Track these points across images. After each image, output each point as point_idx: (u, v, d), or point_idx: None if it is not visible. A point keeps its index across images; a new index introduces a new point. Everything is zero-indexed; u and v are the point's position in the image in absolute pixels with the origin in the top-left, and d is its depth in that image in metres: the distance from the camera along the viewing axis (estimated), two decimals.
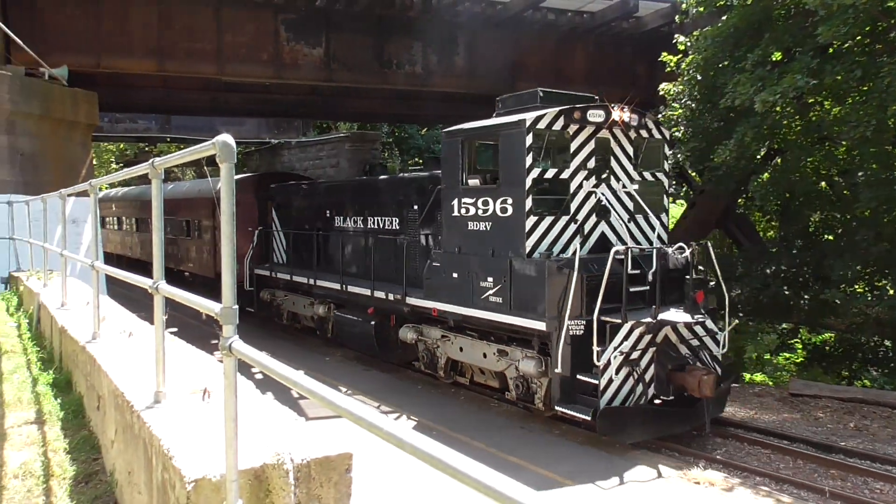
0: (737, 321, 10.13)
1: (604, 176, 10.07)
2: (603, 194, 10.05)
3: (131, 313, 6.85)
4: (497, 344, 10.44)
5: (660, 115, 15.20)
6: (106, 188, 35.37)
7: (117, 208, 31.18)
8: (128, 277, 4.30)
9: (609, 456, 8.90)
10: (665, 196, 10.76)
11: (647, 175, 10.59)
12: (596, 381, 8.86)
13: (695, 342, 9.60)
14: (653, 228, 10.48)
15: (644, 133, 10.45)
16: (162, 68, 15.97)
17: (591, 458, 8.80)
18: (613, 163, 10.20)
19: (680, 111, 14.75)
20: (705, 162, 14.89)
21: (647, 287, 9.22)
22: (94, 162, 30.35)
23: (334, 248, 14.40)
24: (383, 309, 12.70)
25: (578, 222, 9.92)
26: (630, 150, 10.35)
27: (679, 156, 15.26)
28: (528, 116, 9.67)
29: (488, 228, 10.14)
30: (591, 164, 10.00)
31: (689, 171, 21.21)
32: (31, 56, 14.00)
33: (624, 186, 10.28)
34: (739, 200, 20.38)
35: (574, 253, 9.26)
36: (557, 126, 9.74)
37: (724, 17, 13.87)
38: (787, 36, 13.06)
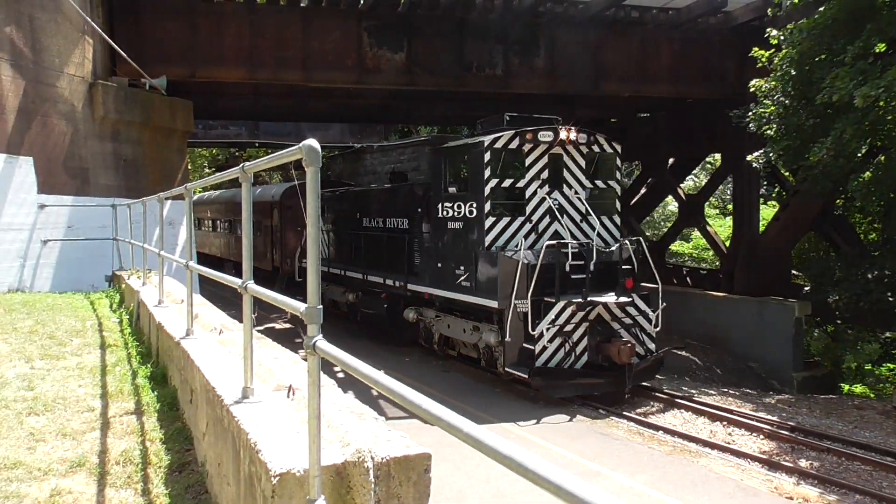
0: (665, 304, 12.27)
1: (554, 184, 12.67)
2: (555, 199, 12.61)
3: (221, 311, 7.15)
4: (473, 321, 12.93)
5: (750, 113, 14.62)
6: (199, 192, 37.06)
7: (200, 210, 32.96)
8: (219, 277, 4.49)
9: (540, 406, 11.25)
10: (617, 201, 13.25)
11: (600, 183, 13.05)
12: (533, 348, 11.32)
13: (628, 320, 12.07)
14: (605, 228, 12.94)
15: (596, 148, 12.89)
16: (252, 76, 16.60)
17: (525, 408, 11.20)
18: (566, 173, 12.76)
19: (772, 108, 14.10)
20: (799, 161, 14.20)
21: (589, 275, 11.66)
22: (189, 166, 31.94)
23: (361, 245, 17.19)
24: (393, 294, 15.50)
25: (533, 222, 12.48)
26: (582, 163, 12.86)
27: (770, 155, 14.62)
28: (487, 138, 12.29)
29: (461, 227, 12.83)
30: (545, 174, 12.59)
31: (782, 171, 20.26)
32: (134, 68, 14.85)
33: (576, 193, 12.79)
34: (837, 201, 19.31)
35: (528, 246, 12.01)
36: (513, 145, 12.32)
37: (821, 9, 13.16)
38: (893, 26, 12.27)
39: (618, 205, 13.25)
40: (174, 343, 5.61)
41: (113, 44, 14.51)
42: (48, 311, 9.70)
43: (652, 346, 12.31)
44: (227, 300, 11.49)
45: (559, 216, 12.59)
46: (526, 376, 11.19)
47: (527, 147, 12.41)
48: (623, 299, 11.75)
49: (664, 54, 18.72)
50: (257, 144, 31.06)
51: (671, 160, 23.41)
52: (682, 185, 23.90)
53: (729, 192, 30.24)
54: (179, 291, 8.74)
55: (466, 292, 12.57)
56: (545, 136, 12.39)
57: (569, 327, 11.55)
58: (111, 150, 14.64)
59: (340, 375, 9.69)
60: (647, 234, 28.85)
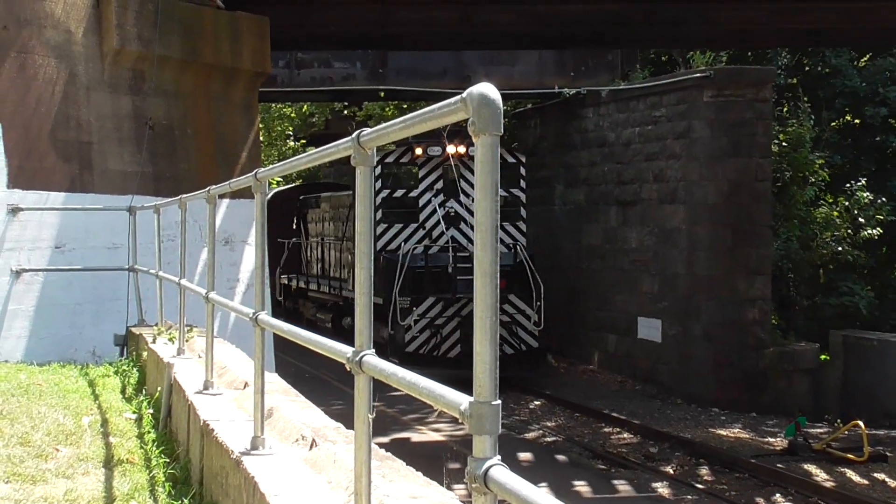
0: (540, 303, 25.21)
1: (448, 192, 25.89)
2: (451, 208, 25.55)
3: (311, 404, 7.42)
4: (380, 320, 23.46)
5: None
6: (276, 183, 38.96)
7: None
8: (313, 343, 4.66)
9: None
10: (521, 208, 26.79)
11: (501, 192, 20.70)
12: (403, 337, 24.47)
13: (504, 318, 23.59)
14: (508, 233, 25.51)
15: None
16: None
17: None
18: (463, 183, 25.57)
19: None
20: None
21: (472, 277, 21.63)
22: (262, 138, 33.72)
23: (321, 256, 32.54)
24: (336, 303, 30.64)
25: (426, 229, 25.48)
26: None
27: None
28: (379, 154, 21.02)
29: None
30: (440, 185, 25.82)
31: None
32: None
33: (473, 201, 20.66)
34: None
35: (415, 250, 24.75)
36: (405, 159, 25.89)
37: None
38: None
39: (522, 212, 26.82)
40: (231, 462, 5.89)
41: None
42: (20, 397, 10.50)
43: (532, 341, 25.46)
44: (315, 381, 11.87)
45: (455, 223, 25.56)
46: (396, 360, 19.92)
47: (420, 160, 25.50)
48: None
49: None
50: (382, 94, 32.20)
51: None
52: None
53: None
54: (240, 366, 9.18)
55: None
56: (434, 150, 25.16)
57: (440, 321, 24.58)
58: (130, 108, 15.78)
59: None
60: None
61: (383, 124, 3.68)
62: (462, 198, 25.89)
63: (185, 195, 10.12)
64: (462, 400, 2.75)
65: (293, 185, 39.07)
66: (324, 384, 21.12)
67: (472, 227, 24.35)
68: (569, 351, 30.87)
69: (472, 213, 24.25)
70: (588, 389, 26.59)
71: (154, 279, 12.72)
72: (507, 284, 24.62)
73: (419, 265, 24.61)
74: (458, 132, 24.82)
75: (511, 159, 26.42)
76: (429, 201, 25.75)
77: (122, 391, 11.32)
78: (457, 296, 24.64)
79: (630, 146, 28.38)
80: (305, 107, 43.39)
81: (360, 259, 3.82)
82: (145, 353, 11.78)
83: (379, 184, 24.87)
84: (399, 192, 26.27)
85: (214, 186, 7.96)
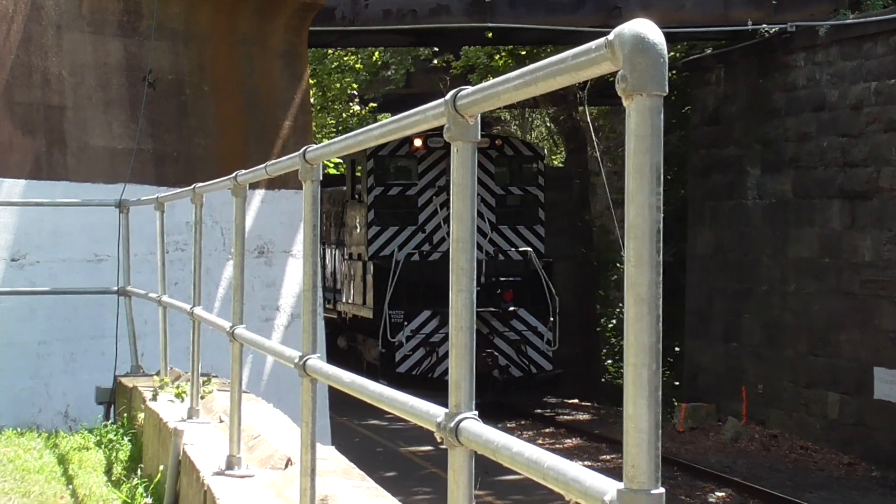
0: (555, 319, 32.07)
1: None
2: None
3: (384, 492, 7.46)
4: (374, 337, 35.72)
5: None
6: (334, 166, 39.59)
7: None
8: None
9: None
10: (539, 208, 36.91)
11: (515, 190, 36.43)
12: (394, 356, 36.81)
13: (512, 335, 34.56)
14: (522, 237, 35.69)
15: (509, 152, 36.53)
16: None
17: None
18: None
19: None
20: None
21: (479, 288, 22.71)
22: (313, 100, 34.11)
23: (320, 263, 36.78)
24: (331, 318, 37.45)
25: (427, 232, 35.42)
26: (492, 169, 35.61)
27: None
28: (373, 146, 28.01)
29: (360, 235, 37.89)
30: (443, 181, 33.71)
31: None
32: None
33: (482, 201, 32.60)
34: None
35: (410, 257, 34.49)
36: (402, 152, 36.11)
37: None
38: None
39: (540, 213, 35.40)
40: None
41: None
42: None
43: (544, 363, 33.58)
44: (389, 457, 11.85)
45: None
46: (384, 382, 22.28)
47: (419, 154, 33.49)
48: (492, 309, 31.40)
49: None
50: (490, 34, 32.41)
51: None
52: None
53: None
54: (279, 434, 9.25)
55: (358, 303, 35.66)
56: (436, 142, 30.96)
57: (436, 338, 31.79)
58: (121, 57, 16.01)
59: None
60: None
61: (491, 81, 3.68)
62: None
63: (200, 184, 10.20)
64: (607, 487, 2.74)
65: None
66: (403, 462, 21.23)
67: (480, 231, 28.31)
68: (769, 416, 30.61)
69: (480, 215, 29.72)
70: (798, 474, 26.34)
71: (155, 306, 12.86)
72: (516, 297, 32.73)
73: (415, 274, 32.04)
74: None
75: (527, 152, 35.45)
76: (429, 200, 33.64)
77: (108, 471, 11.46)
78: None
79: (862, 110, 28.14)
80: (377, 54, 43.66)
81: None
82: (142, 415, 11.92)
83: (371, 180, 33.60)
84: (395, 191, 34.65)
85: (243, 171, 8.04)
